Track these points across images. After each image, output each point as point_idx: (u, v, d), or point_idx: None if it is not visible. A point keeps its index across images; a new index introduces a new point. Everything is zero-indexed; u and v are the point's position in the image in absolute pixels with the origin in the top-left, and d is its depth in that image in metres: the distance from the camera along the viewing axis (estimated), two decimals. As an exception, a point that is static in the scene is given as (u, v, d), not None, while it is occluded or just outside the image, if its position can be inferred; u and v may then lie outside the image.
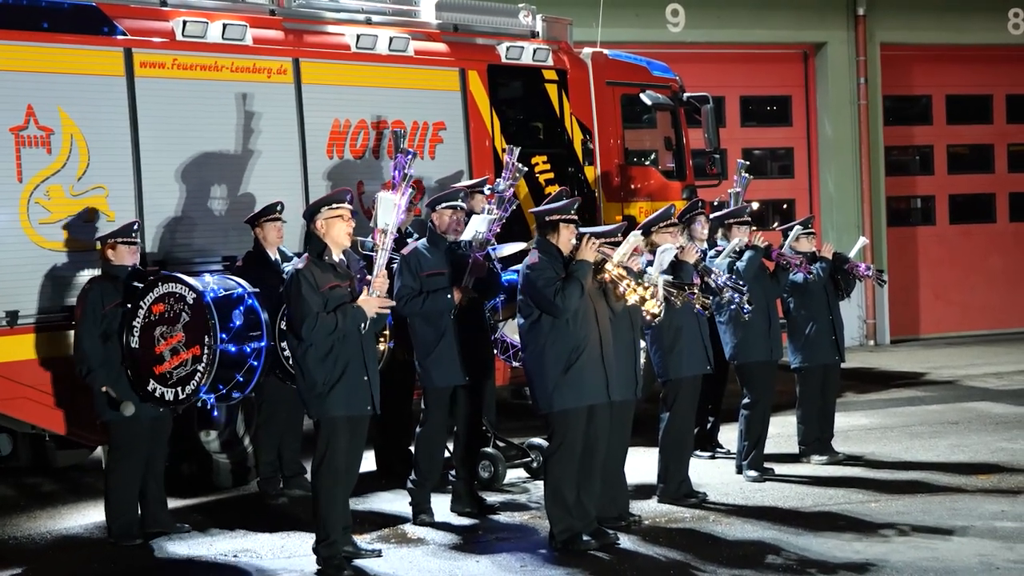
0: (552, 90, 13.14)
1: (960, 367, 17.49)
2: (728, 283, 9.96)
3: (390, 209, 8.30)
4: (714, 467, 11.17)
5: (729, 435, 11.49)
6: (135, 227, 9.18)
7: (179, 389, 8.60)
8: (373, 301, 8.06)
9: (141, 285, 8.86)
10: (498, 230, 10.05)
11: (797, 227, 11.23)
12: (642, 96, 13.95)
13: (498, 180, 10.58)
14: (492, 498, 9.97)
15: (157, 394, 8.68)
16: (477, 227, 9.54)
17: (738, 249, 10.60)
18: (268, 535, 9.24)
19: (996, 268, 21.67)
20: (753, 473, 10.64)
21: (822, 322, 11.15)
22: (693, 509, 9.63)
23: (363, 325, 8.02)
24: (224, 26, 10.51)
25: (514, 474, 10.70)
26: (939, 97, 21.61)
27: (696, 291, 9.28)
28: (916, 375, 16.99)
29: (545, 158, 12.94)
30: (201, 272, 9.55)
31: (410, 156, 9.47)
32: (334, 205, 8.21)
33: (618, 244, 8.65)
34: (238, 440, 10.73)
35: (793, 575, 7.99)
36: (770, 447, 10.99)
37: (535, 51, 12.87)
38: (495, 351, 10.18)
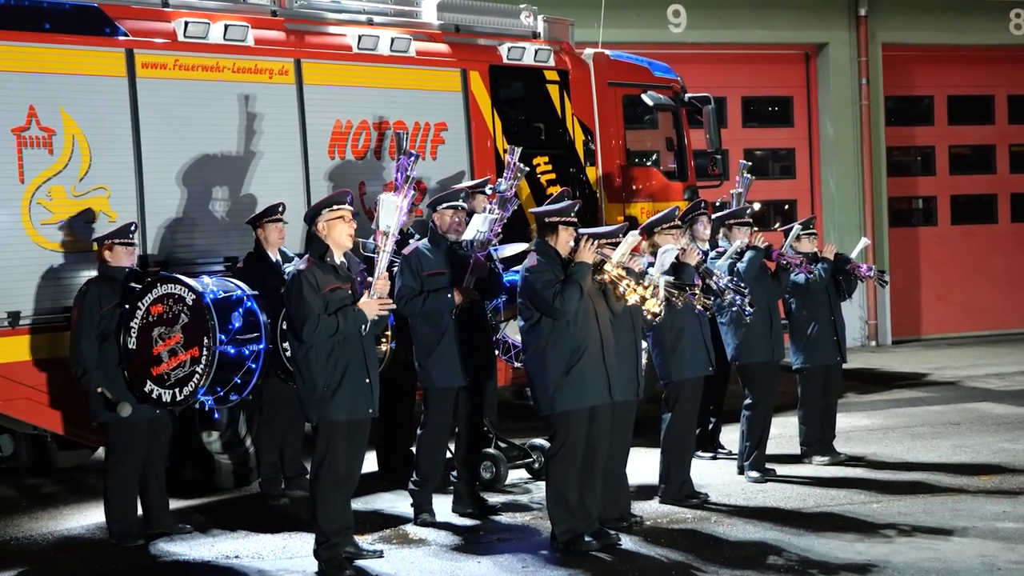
0: (554, 91, 13.13)
1: (962, 368, 17.48)
2: (730, 285, 9.96)
3: (392, 211, 8.28)
4: (716, 468, 11.17)
5: (731, 436, 11.48)
6: (132, 228, 9.17)
7: (177, 390, 8.60)
8: (374, 303, 8.03)
9: (139, 286, 8.85)
10: (499, 230, 10.04)
11: (796, 226, 11.22)
12: (644, 97, 13.96)
13: (499, 180, 10.56)
14: (494, 499, 9.97)
15: (154, 395, 8.68)
16: (478, 227, 9.54)
17: (739, 250, 10.59)
18: (270, 536, 9.23)
19: (998, 269, 21.65)
20: (755, 474, 10.63)
21: (824, 323, 11.15)
22: (695, 510, 9.63)
23: (364, 327, 8.00)
24: (226, 27, 10.51)
25: (516, 475, 10.69)
26: (941, 98, 21.61)
27: (697, 292, 9.28)
28: (918, 376, 16.97)
29: (547, 159, 12.94)
30: (202, 273, 9.53)
31: (412, 158, 9.43)
32: (335, 207, 8.20)
33: (618, 245, 8.65)
34: (240, 441, 10.72)
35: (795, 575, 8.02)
36: (772, 448, 10.99)
37: (536, 52, 12.87)
38: (497, 352, 10.18)
